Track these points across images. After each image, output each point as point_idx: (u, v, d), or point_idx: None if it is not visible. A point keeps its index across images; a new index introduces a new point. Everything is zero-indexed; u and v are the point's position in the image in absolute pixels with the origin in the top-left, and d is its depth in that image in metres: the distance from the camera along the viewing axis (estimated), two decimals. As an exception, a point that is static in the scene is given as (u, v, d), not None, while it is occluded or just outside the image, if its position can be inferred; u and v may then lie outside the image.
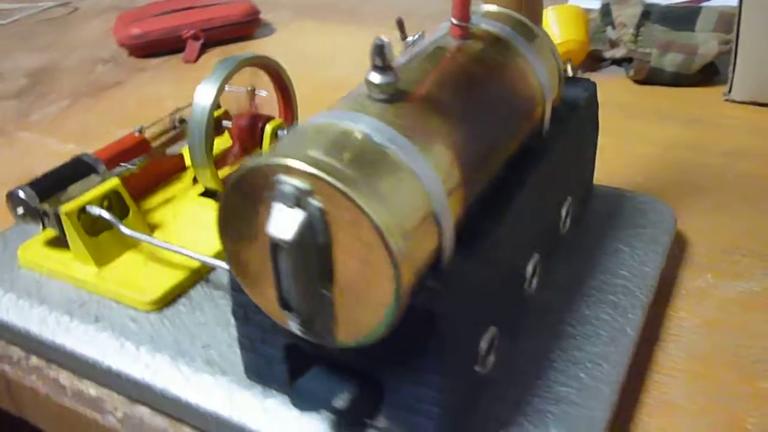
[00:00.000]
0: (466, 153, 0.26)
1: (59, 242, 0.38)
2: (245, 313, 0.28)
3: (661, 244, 0.38)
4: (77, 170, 0.39)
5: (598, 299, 0.34)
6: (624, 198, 0.41)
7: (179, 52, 0.77)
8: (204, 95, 0.40)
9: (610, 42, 0.66)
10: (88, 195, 0.37)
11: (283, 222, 0.22)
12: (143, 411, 0.33)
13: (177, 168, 0.46)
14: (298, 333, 0.25)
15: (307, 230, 0.22)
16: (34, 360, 0.36)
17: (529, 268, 0.32)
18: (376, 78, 0.25)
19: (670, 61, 0.61)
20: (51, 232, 0.38)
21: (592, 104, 0.38)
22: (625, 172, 0.49)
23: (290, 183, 0.22)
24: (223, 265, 0.34)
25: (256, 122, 0.43)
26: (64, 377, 0.35)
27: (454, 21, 0.30)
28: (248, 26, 0.80)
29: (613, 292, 0.34)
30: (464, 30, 0.30)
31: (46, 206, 0.37)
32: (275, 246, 0.22)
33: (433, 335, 0.24)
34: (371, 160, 0.23)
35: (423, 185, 0.23)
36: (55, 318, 0.35)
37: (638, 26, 0.63)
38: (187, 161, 0.46)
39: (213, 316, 0.34)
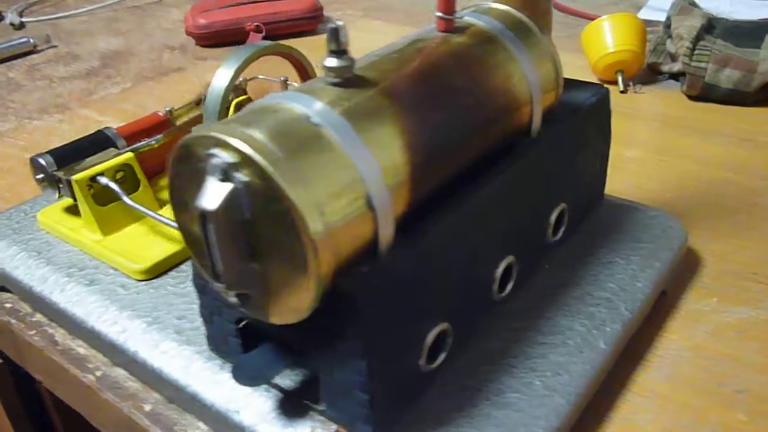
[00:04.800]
0: (419, 142, 0.26)
1: (75, 210, 0.41)
2: (203, 284, 0.29)
3: (660, 260, 0.36)
4: (97, 143, 0.42)
5: (577, 310, 0.33)
6: (634, 211, 0.40)
7: (242, 44, 0.79)
8: (220, 78, 0.41)
9: (670, 55, 0.64)
10: (101, 166, 0.39)
11: (211, 193, 0.22)
12: (120, 373, 0.34)
13: (200, 149, 0.47)
14: (237, 306, 0.26)
15: (233, 203, 0.22)
16: (38, 316, 0.38)
17: (499, 271, 0.31)
18: (331, 62, 0.25)
19: (727, 78, 0.57)
20: (69, 201, 0.41)
21: (598, 110, 0.37)
22: (654, 187, 0.47)
23: (220, 156, 0.22)
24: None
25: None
26: (59, 335, 0.37)
27: (439, 14, 0.30)
28: (311, 22, 0.82)
29: (594, 304, 0.33)
30: (449, 23, 0.30)
31: (61, 174, 0.39)
32: (203, 216, 0.23)
33: (356, 319, 0.24)
34: (301, 140, 0.23)
35: (357, 169, 0.23)
36: (55, 278, 0.37)
37: (696, 39, 0.60)
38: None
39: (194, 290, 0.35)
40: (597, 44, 0.64)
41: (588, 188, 0.38)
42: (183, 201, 0.25)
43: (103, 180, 0.39)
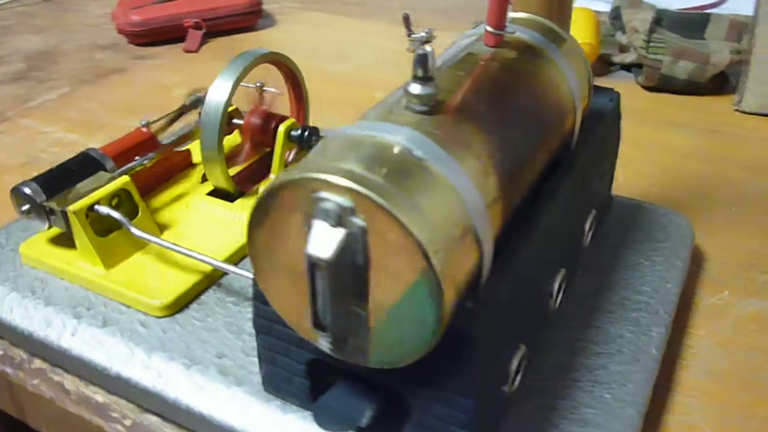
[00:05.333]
0: (502, 166, 0.25)
1: (63, 240, 0.37)
2: (268, 324, 0.27)
3: (681, 258, 0.37)
4: (84, 166, 0.38)
5: (621, 316, 0.33)
6: (643, 210, 0.41)
7: (179, 41, 0.75)
8: (219, 91, 0.39)
9: (620, 46, 0.66)
10: (97, 193, 0.36)
11: (323, 241, 0.21)
12: (153, 420, 0.32)
13: (184, 165, 0.44)
14: (328, 351, 0.24)
15: (347, 249, 0.21)
16: (38, 362, 0.35)
17: (556, 285, 0.31)
18: (416, 89, 0.24)
19: (683, 69, 0.60)
20: (55, 230, 0.37)
21: (615, 115, 0.37)
22: (640, 182, 0.49)
23: (333, 200, 0.21)
24: (237, 270, 0.33)
25: (270, 121, 0.42)
26: (69, 382, 0.34)
27: (490, 29, 0.29)
28: (251, 17, 0.78)
29: (635, 309, 0.34)
30: (499, 38, 0.29)
31: (53, 204, 0.35)
32: (313, 265, 0.21)
33: (467, 358, 0.23)
34: (412, 176, 0.22)
35: (463, 200, 0.22)
36: (62, 320, 0.34)
37: (650, 32, 0.62)
38: (195, 158, 0.45)
39: (226, 322, 0.33)
40: (555, 38, 0.65)
41: (606, 191, 0.39)
42: (266, 244, 0.23)
43: (104, 209, 0.35)
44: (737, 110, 0.58)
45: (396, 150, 0.22)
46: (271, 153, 0.44)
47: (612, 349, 0.32)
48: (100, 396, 0.33)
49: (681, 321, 0.37)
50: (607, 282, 0.35)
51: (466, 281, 0.23)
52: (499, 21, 0.29)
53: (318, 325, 0.23)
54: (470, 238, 0.23)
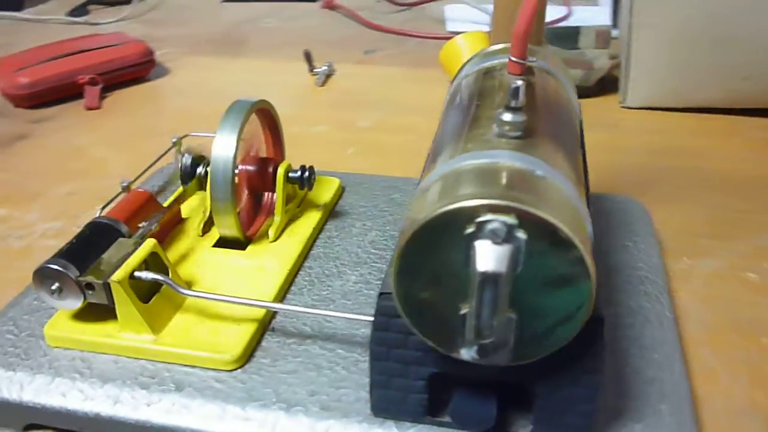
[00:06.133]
0: (579, 178, 0.29)
1: (87, 314, 0.36)
2: (387, 351, 0.29)
3: (652, 235, 0.44)
4: (102, 236, 0.37)
5: (632, 290, 0.39)
6: (604, 200, 0.47)
7: (73, 99, 0.72)
8: (225, 147, 0.39)
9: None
10: (133, 260, 0.35)
11: (493, 257, 0.24)
12: (255, 470, 0.32)
13: (175, 222, 0.44)
14: (469, 359, 0.27)
15: (513, 261, 0.24)
16: (100, 444, 0.34)
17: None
18: (508, 117, 0.27)
19: (574, 77, 0.68)
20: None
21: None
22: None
23: (498, 220, 0.24)
24: (303, 310, 0.34)
25: (265, 166, 0.43)
26: (146, 455, 0.33)
27: (514, 59, 0.34)
28: (145, 67, 0.77)
29: (640, 282, 0.39)
30: (523, 67, 0.34)
31: (90, 278, 0.34)
32: (484, 281, 0.24)
33: (599, 337, 0.27)
34: (546, 191, 0.25)
35: (578, 209, 0.26)
36: (129, 394, 0.33)
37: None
38: (185, 214, 0.45)
39: (299, 362, 0.34)
40: (456, 60, 0.71)
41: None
42: (415, 272, 0.25)
43: (147, 275, 0.35)
44: (623, 107, 0.68)
45: (523, 172, 0.26)
46: (258, 196, 0.45)
47: (641, 319, 0.37)
48: (185, 461, 0.33)
49: (662, 288, 0.43)
50: (610, 265, 0.41)
51: (592, 273, 0.27)
52: (522, 51, 0.34)
53: (478, 335, 0.25)
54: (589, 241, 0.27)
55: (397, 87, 0.76)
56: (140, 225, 0.39)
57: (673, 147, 0.61)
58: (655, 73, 0.65)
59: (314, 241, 0.44)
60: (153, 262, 0.37)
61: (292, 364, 0.34)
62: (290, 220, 0.44)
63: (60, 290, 0.35)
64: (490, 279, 0.24)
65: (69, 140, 0.64)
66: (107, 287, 0.34)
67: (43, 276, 0.35)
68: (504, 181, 0.25)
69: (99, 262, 0.35)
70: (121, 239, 0.37)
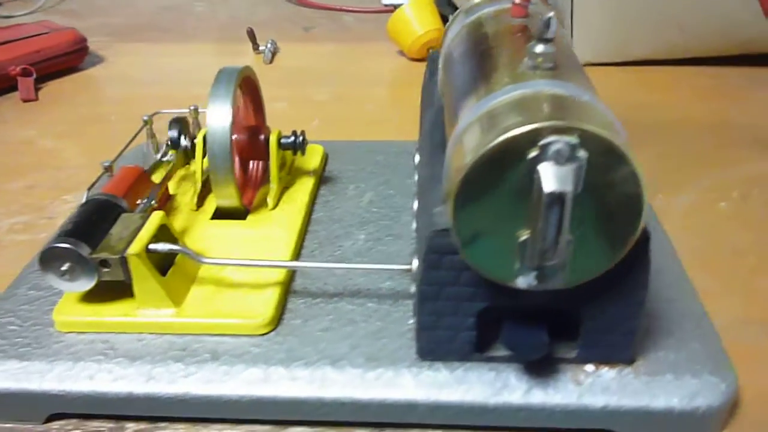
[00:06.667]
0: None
1: (93, 295, 0.34)
2: (437, 290, 0.29)
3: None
4: (104, 212, 0.35)
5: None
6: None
7: (6, 93, 0.68)
8: (220, 116, 0.38)
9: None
10: (145, 233, 0.34)
11: (558, 177, 0.24)
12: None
13: (166, 198, 0.43)
14: (525, 286, 0.27)
15: (577, 181, 0.25)
16: (132, 426, 0.32)
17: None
18: (541, 48, 0.28)
19: (518, 39, 0.70)
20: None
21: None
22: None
23: (560, 141, 0.24)
24: (328, 265, 0.34)
25: (256, 134, 0.42)
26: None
27: (517, 1, 0.34)
28: (78, 55, 0.73)
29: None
30: (526, 9, 0.35)
31: (105, 254, 0.33)
32: (551, 202, 0.24)
33: (646, 253, 0.28)
34: (593, 114, 0.26)
35: (621, 134, 0.27)
36: (164, 368, 0.32)
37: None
38: (172, 190, 0.44)
39: (331, 320, 0.34)
40: (406, 30, 0.71)
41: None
42: (476, 200, 0.26)
43: (163, 246, 0.33)
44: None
45: (567, 98, 0.26)
46: (245, 167, 0.44)
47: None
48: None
49: (648, 223, 0.45)
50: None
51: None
52: None
53: (543, 257, 0.26)
54: (627, 157, 0.28)
55: (345, 61, 0.76)
56: (138, 201, 0.38)
57: (622, 101, 0.64)
58: (598, 29, 0.68)
59: (312, 206, 0.43)
60: (162, 234, 0.35)
61: (326, 321, 0.34)
62: (284, 187, 0.44)
63: (71, 270, 0.33)
64: (556, 199, 0.24)
65: (13, 134, 0.60)
66: (123, 262, 0.33)
67: (51, 257, 0.33)
68: (556, 105, 0.26)
69: (109, 238, 0.34)
70: (124, 215, 0.35)
